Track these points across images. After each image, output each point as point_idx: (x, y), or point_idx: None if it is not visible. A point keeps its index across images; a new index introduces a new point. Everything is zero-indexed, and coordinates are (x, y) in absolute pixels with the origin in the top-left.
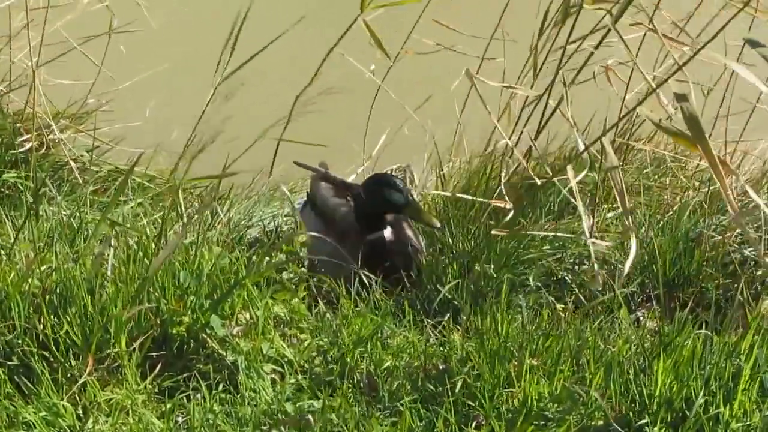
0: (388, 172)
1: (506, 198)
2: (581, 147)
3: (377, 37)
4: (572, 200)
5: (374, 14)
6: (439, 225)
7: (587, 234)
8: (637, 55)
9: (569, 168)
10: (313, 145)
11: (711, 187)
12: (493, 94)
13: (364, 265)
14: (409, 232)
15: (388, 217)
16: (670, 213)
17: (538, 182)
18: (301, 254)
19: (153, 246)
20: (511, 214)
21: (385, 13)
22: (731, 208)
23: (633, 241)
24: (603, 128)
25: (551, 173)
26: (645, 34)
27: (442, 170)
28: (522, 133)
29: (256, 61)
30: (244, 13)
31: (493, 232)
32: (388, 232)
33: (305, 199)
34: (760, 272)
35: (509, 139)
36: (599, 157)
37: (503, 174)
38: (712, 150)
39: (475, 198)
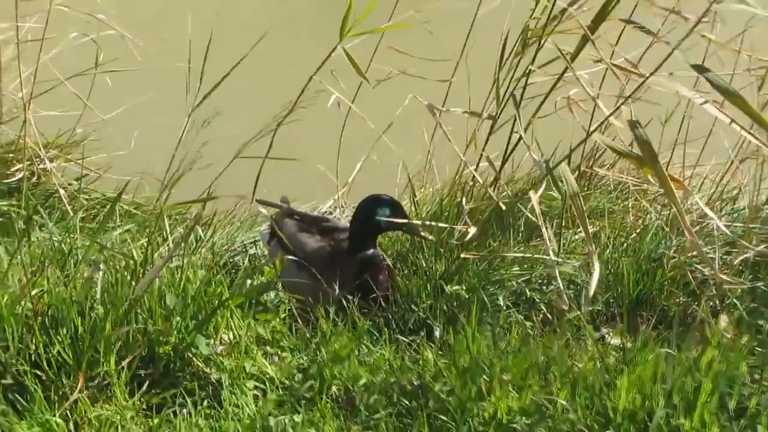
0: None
1: (469, 222)
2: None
3: (357, 65)
4: (538, 223)
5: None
6: (431, 238)
7: (552, 256)
8: (602, 83)
9: (531, 192)
10: (289, 160)
11: (671, 210)
12: (463, 122)
13: (356, 280)
14: (383, 256)
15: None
16: (633, 235)
17: (502, 206)
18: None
19: (140, 269)
20: (472, 236)
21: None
22: (683, 224)
23: (596, 263)
24: (569, 156)
25: (514, 197)
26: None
27: (415, 197)
28: (487, 159)
29: (237, 87)
30: (209, 41)
31: (462, 255)
32: (373, 252)
33: (267, 230)
34: (715, 292)
35: (476, 167)
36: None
37: (464, 200)
38: (662, 168)
39: (439, 224)
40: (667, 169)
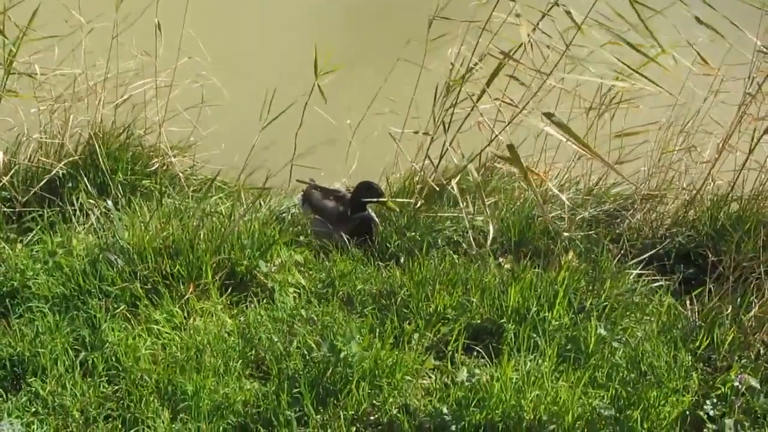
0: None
1: (417, 196)
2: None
3: (324, 98)
4: (458, 197)
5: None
6: (397, 209)
7: (464, 216)
8: (497, 113)
9: (453, 181)
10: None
11: (539, 189)
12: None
13: (353, 231)
14: (373, 215)
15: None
16: (518, 203)
17: (436, 188)
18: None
19: (226, 221)
20: (421, 205)
21: None
22: (536, 198)
23: (491, 224)
24: (479, 158)
25: (445, 182)
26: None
27: (388, 180)
28: (429, 159)
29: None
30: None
31: (419, 214)
32: (366, 213)
33: (302, 197)
34: (565, 237)
35: (422, 164)
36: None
37: (417, 182)
38: (523, 165)
39: (403, 200)
40: (535, 166)
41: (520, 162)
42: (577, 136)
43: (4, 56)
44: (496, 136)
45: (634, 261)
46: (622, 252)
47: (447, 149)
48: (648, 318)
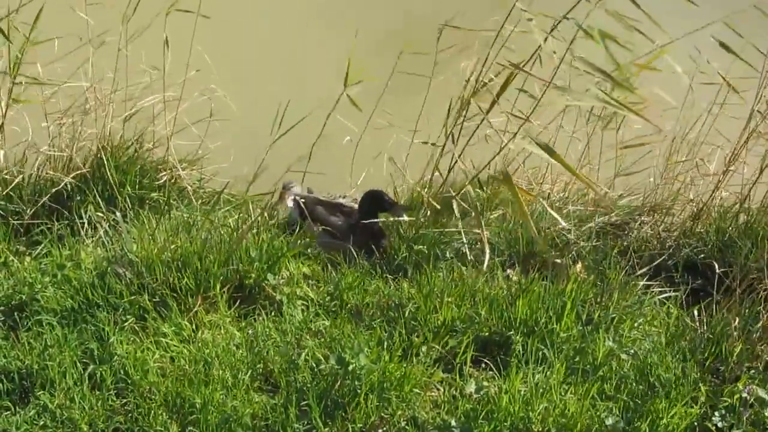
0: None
1: (427, 208)
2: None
3: (358, 106)
4: (466, 211)
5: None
6: (407, 218)
7: (462, 232)
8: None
9: (456, 197)
10: (319, 174)
11: (547, 201)
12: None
13: (363, 241)
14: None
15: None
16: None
17: (437, 206)
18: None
19: (234, 234)
20: (429, 217)
21: None
22: (525, 217)
23: (486, 246)
24: (488, 169)
25: (453, 194)
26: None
27: (396, 192)
28: (438, 171)
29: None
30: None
31: (421, 231)
32: (375, 223)
33: (294, 205)
34: (574, 250)
35: (431, 176)
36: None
37: (425, 194)
38: (513, 185)
39: (411, 210)
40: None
41: (513, 187)
42: (560, 158)
43: (10, 64)
44: (500, 151)
45: (642, 272)
46: (629, 264)
47: (455, 161)
48: (656, 330)
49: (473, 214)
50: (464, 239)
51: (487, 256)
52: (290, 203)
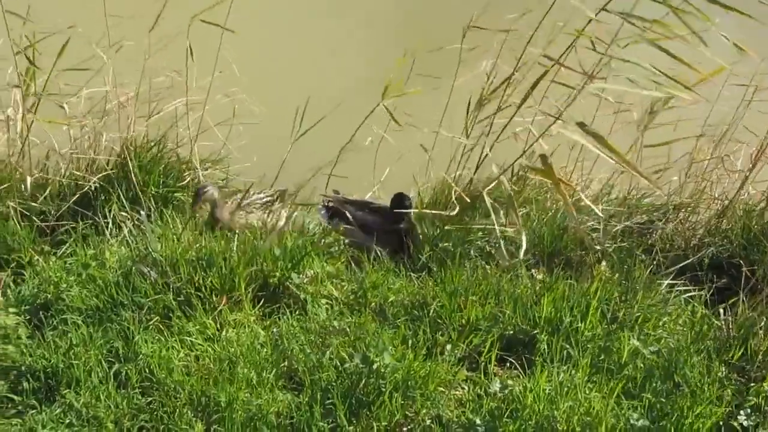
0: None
1: (455, 205)
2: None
3: (394, 117)
4: (491, 208)
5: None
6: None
7: (496, 227)
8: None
9: (485, 192)
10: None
11: (573, 199)
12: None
13: (390, 240)
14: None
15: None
16: (550, 213)
17: (468, 200)
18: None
19: (259, 234)
20: (455, 215)
21: None
22: (567, 206)
23: (523, 235)
24: (512, 169)
25: (478, 193)
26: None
27: (419, 192)
28: (464, 169)
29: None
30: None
31: (446, 227)
32: (402, 225)
33: (325, 209)
34: (599, 248)
35: (454, 174)
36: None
37: (453, 193)
38: (555, 176)
39: (434, 211)
40: (569, 177)
41: (554, 173)
42: (610, 146)
43: (34, 84)
44: (530, 146)
45: (667, 271)
46: (654, 262)
47: (485, 157)
48: (681, 328)
49: (500, 212)
50: (498, 232)
51: (525, 244)
52: (321, 210)
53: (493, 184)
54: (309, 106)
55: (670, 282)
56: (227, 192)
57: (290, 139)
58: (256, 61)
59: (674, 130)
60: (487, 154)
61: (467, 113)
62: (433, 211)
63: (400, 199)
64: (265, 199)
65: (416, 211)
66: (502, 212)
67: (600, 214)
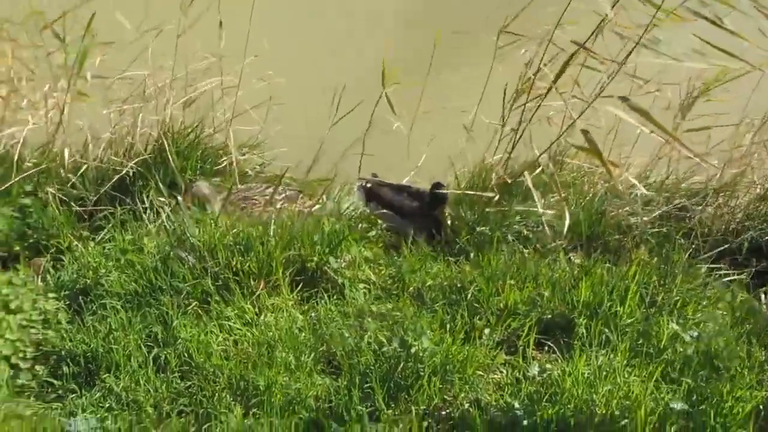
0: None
1: (493, 190)
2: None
3: (392, 106)
4: (532, 190)
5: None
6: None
7: (539, 209)
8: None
9: (526, 173)
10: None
11: (610, 183)
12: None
13: (427, 225)
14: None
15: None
16: (588, 197)
17: (509, 180)
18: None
19: (295, 218)
20: (492, 198)
21: None
22: (616, 185)
23: (566, 214)
24: (548, 153)
25: (519, 175)
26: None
27: (456, 176)
28: (503, 152)
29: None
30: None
31: (486, 209)
32: (436, 211)
33: (362, 192)
34: (637, 232)
35: (492, 157)
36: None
37: (493, 177)
38: (602, 154)
39: (473, 192)
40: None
41: (597, 148)
42: (655, 120)
43: (65, 62)
44: (567, 128)
45: (706, 255)
46: (693, 246)
47: (519, 138)
48: (720, 312)
49: (539, 195)
50: (541, 214)
51: (567, 223)
52: (358, 193)
53: (533, 168)
54: (347, 87)
55: (710, 266)
56: (220, 188)
57: (327, 123)
58: (292, 44)
59: (714, 116)
60: (520, 137)
61: (503, 99)
62: (474, 193)
63: (438, 187)
64: (263, 191)
65: (455, 191)
66: (539, 196)
67: (645, 192)
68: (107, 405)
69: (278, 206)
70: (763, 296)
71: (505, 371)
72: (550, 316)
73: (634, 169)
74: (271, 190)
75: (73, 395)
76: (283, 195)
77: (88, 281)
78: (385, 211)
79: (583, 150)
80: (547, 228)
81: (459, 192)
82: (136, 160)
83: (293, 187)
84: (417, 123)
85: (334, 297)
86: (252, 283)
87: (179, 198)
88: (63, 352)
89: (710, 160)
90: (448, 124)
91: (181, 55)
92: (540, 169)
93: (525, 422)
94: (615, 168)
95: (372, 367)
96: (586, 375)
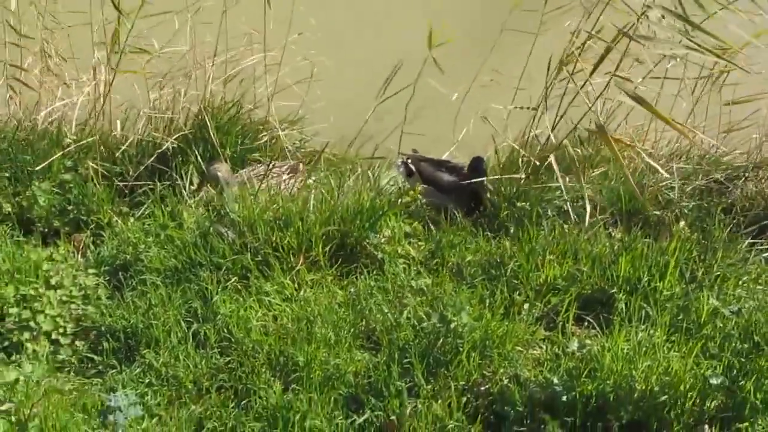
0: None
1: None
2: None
3: (441, 69)
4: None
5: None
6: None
7: (564, 192)
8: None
9: (552, 155)
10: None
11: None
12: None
13: (467, 199)
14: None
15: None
16: (629, 171)
17: (537, 162)
18: (419, 196)
19: (336, 194)
20: (522, 179)
21: None
22: (620, 165)
23: (587, 200)
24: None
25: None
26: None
27: (496, 151)
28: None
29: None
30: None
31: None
32: (475, 185)
33: (403, 167)
34: (677, 208)
35: (529, 136)
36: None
37: (532, 156)
38: (608, 137)
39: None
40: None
41: (606, 135)
42: (652, 108)
43: (116, 35)
44: (591, 105)
45: (747, 230)
46: (734, 221)
47: (560, 119)
48: (761, 288)
49: (567, 176)
50: (565, 197)
51: (588, 210)
52: (400, 167)
53: (563, 148)
54: (389, 65)
55: (751, 241)
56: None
57: (368, 100)
58: (335, 20)
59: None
60: (562, 116)
61: (547, 74)
62: (505, 176)
63: (477, 162)
64: (283, 170)
65: (490, 179)
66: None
67: (663, 173)
68: (147, 380)
69: (284, 178)
70: None
71: (544, 347)
72: (589, 291)
73: (673, 144)
74: (279, 169)
75: (113, 371)
76: (287, 166)
77: (128, 257)
78: (425, 185)
79: (595, 133)
80: (587, 202)
81: (493, 178)
82: (177, 135)
83: (293, 162)
84: (474, 96)
85: (374, 272)
86: (291, 258)
87: (220, 174)
88: (103, 328)
89: (750, 133)
90: (499, 97)
91: (225, 30)
92: (566, 148)
93: (564, 398)
94: (625, 145)
95: (411, 343)
96: (625, 351)
